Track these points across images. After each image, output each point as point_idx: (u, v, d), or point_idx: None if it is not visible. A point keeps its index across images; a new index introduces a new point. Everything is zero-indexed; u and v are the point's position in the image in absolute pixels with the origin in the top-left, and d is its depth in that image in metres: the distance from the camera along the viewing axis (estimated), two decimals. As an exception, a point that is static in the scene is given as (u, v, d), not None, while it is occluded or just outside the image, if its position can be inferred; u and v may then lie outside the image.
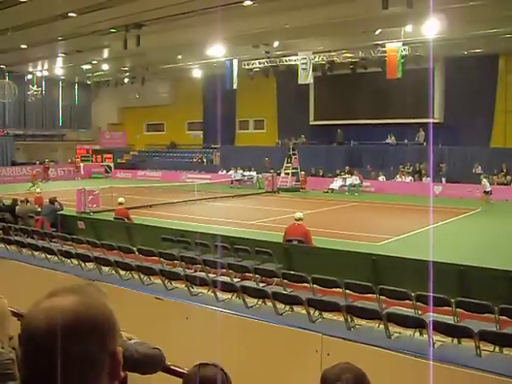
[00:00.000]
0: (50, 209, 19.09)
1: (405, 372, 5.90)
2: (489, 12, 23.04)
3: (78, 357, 1.34)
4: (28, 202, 20.71)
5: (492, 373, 5.46)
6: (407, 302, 8.72)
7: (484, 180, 27.32)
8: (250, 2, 22.18)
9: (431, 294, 7.92)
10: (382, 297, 8.95)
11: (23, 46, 31.96)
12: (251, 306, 8.58)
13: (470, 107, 32.40)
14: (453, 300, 8.27)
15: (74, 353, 1.33)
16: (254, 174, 36.21)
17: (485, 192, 26.85)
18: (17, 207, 19.88)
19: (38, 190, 24.46)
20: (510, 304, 8.27)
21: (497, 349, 7.10)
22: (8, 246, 13.37)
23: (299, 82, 33.04)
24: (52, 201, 19.42)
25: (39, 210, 19.77)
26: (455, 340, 7.42)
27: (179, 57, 35.18)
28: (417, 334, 7.82)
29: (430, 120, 30.24)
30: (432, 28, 23.87)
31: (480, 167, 31.50)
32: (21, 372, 1.39)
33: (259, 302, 8.92)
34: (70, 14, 24.33)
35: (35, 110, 46.73)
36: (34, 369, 1.34)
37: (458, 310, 8.28)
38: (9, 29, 26.71)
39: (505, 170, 30.31)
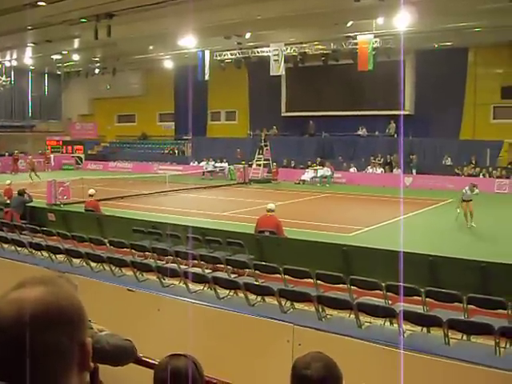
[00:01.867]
0: (19, 200, 18.84)
1: (375, 361, 5.96)
2: (459, 6, 23.27)
3: (47, 348, 1.33)
4: (-3, 193, 20.46)
5: (460, 360, 5.54)
6: (378, 292, 8.81)
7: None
8: (221, -7, 22.12)
9: (401, 283, 8.01)
10: (352, 287, 9.03)
11: (-9, 36, 31.43)
12: (223, 297, 8.60)
13: (440, 100, 32.74)
14: (422, 290, 8.38)
15: (42, 344, 1.32)
16: (225, 165, 36.19)
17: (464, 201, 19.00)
18: (-15, 199, 19.62)
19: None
20: (478, 293, 8.41)
21: (464, 337, 7.22)
22: (-24, 239, 13.19)
23: (271, 74, 33.08)
24: (21, 192, 19.16)
25: (8, 202, 19.51)
26: (425, 329, 7.53)
27: (151, 47, 34.98)
28: (387, 323, 7.91)
29: (401, 112, 30.52)
30: (403, 21, 24.08)
31: (450, 159, 31.88)
32: None
33: (231, 293, 8.95)
34: (39, 3, 23.98)
35: (4, 100, 46.05)
36: (2, 361, 1.33)
37: (427, 299, 8.39)
38: (-24, 18, 26.27)
39: (474, 162, 30.70)
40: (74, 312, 1.40)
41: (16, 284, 1.41)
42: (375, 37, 29.17)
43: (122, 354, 3.10)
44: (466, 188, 18.87)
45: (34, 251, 11.82)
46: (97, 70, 42.21)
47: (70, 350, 1.37)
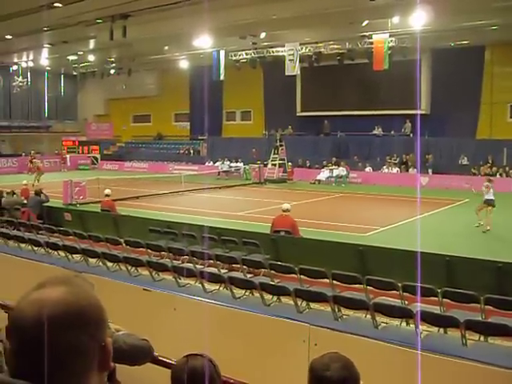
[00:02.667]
0: (36, 200, 18.98)
1: (392, 361, 5.93)
2: (475, 4, 23.13)
3: (68, 348, 1.34)
4: (14, 193, 20.60)
5: (477, 361, 5.50)
6: (394, 292, 8.76)
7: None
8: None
9: (418, 284, 7.96)
10: (369, 287, 8.99)
11: (8, 37, 31.68)
12: (239, 297, 8.60)
13: (457, 99, 32.52)
14: (439, 290, 8.32)
15: (63, 344, 1.33)
16: (241, 165, 36.20)
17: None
18: (3, 199, 19.76)
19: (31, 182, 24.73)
20: (495, 294, 8.35)
21: (482, 338, 7.16)
22: (-6, 238, 13.29)
23: (286, 74, 33.04)
24: (37, 192, 19.31)
25: (25, 201, 19.65)
26: (441, 330, 7.48)
27: (166, 48, 35.06)
28: (403, 323, 7.87)
29: (417, 111, 30.40)
30: (419, 19, 23.95)
31: (466, 158, 31.69)
32: (10, 365, 1.39)
33: (247, 293, 8.93)
34: (55, 5, 24.14)
35: (21, 101, 46.40)
36: (24, 361, 1.33)
37: (444, 299, 8.33)
38: (-7, 19, 26.49)
39: (490, 162, 30.48)
40: (94, 312, 1.40)
41: (37, 284, 1.41)
42: (391, 36, 29.05)
43: (139, 354, 3.11)
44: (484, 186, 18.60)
45: (50, 251, 11.88)
46: (112, 71, 42.39)
47: (90, 350, 1.38)
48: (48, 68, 45.19)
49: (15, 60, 42.23)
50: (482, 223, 17.88)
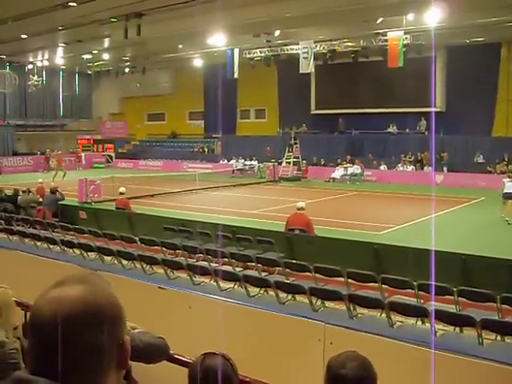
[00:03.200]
0: (51, 199, 19.09)
1: (407, 360, 5.92)
2: (490, 0, 22.95)
3: (87, 347, 1.34)
4: (30, 192, 20.75)
5: (494, 361, 5.47)
6: (409, 290, 8.73)
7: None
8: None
9: (433, 282, 7.92)
10: (384, 286, 8.96)
11: (23, 36, 31.86)
12: (253, 295, 8.60)
13: (472, 96, 32.27)
14: (455, 289, 8.28)
15: (82, 343, 1.33)
16: (255, 163, 36.18)
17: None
18: (19, 197, 19.91)
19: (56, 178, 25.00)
20: (511, 293, 8.28)
21: (498, 337, 7.12)
22: (10, 237, 13.38)
23: (300, 71, 32.92)
24: (53, 191, 19.42)
25: (41, 200, 19.77)
26: (457, 329, 7.44)
27: (180, 46, 35.10)
28: (419, 322, 7.84)
29: (432, 109, 30.21)
30: (434, 16, 23.79)
31: (481, 156, 31.50)
32: (28, 362, 1.39)
33: (261, 291, 8.94)
34: (70, 4, 24.24)
35: (36, 100, 46.62)
36: (43, 360, 1.34)
37: (459, 298, 8.29)
38: (9, 18, 26.64)
39: (506, 159, 30.26)
40: (112, 310, 1.40)
41: (55, 282, 1.42)
42: (405, 33, 28.87)
43: (155, 352, 3.12)
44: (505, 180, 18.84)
45: (66, 249, 11.94)
46: (127, 69, 42.46)
47: (109, 349, 1.38)
48: (63, 67, 45.37)
49: (30, 59, 42.44)
50: (507, 218, 18.20)
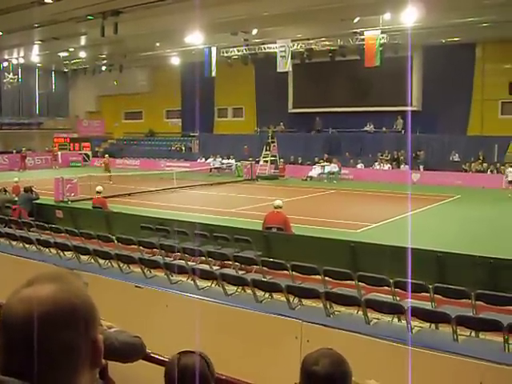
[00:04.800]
0: (26, 197, 18.89)
1: (384, 357, 5.96)
2: (467, 1, 23.17)
3: (58, 346, 1.33)
4: (6, 191, 20.53)
5: (469, 357, 5.53)
6: (386, 288, 8.78)
7: (510, 169, 26.65)
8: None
9: (409, 280, 7.99)
10: (360, 283, 9.01)
11: (-1, 33, 31.51)
12: (231, 294, 8.60)
13: (448, 96, 32.59)
14: (430, 286, 8.35)
15: (53, 342, 1.32)
16: (232, 161, 36.23)
17: (509, 182, 25.98)
18: (-6, 196, 19.69)
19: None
20: (486, 289, 8.38)
21: (473, 333, 7.20)
22: (-15, 236, 13.23)
23: (278, 70, 33.01)
24: (27, 189, 19.20)
25: (16, 199, 19.58)
26: (433, 325, 7.51)
27: (157, 44, 34.94)
28: (395, 319, 7.90)
29: (409, 108, 30.37)
30: (410, 16, 23.98)
31: (457, 155, 31.81)
32: (0, 363, 1.38)
33: (239, 290, 8.94)
34: (46, 1, 24.02)
35: (11, 97, 46.19)
36: (15, 360, 1.33)
37: (435, 295, 8.37)
38: (-17, 16, 26.33)
39: (481, 158, 30.60)
40: (85, 309, 1.40)
41: (27, 281, 1.40)
42: (382, 32, 29.07)
43: (131, 351, 3.11)
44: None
45: (42, 248, 11.83)
46: (104, 67, 42.22)
47: (81, 348, 1.37)
48: (39, 64, 44.95)
49: (6, 57, 41.96)
50: None
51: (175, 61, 40.99)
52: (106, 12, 25.60)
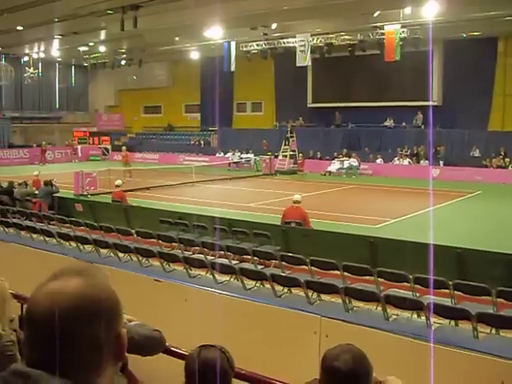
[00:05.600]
0: (46, 191, 19.04)
1: (403, 353, 5.93)
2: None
3: (83, 340, 1.34)
4: (26, 184, 20.69)
5: (489, 354, 5.49)
6: (405, 284, 8.75)
7: None
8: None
9: (430, 276, 7.94)
10: (380, 279, 8.97)
11: (19, 28, 31.73)
12: (250, 288, 8.61)
13: (469, 90, 32.30)
14: (450, 282, 8.30)
15: (78, 336, 1.33)
16: (251, 156, 36.20)
17: None
18: (15, 190, 19.86)
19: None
20: (507, 286, 8.31)
21: (494, 331, 7.14)
22: (6, 229, 13.36)
23: (297, 65, 32.92)
24: (47, 183, 19.36)
25: (36, 192, 19.73)
26: (452, 322, 7.47)
27: (177, 38, 34.98)
28: (415, 316, 7.86)
29: (429, 103, 30.23)
30: (431, 10, 23.78)
31: (478, 150, 31.54)
32: (25, 355, 1.39)
33: (257, 284, 8.94)
34: (66, -5, 24.18)
35: (32, 92, 46.45)
36: (40, 352, 1.34)
37: (455, 292, 8.31)
38: (5, 10, 26.54)
39: (503, 153, 30.30)
40: (109, 303, 1.40)
41: (52, 275, 1.41)
42: (402, 27, 28.86)
43: (151, 345, 3.12)
44: None
45: (62, 241, 11.92)
46: (123, 62, 42.28)
47: (105, 342, 1.37)
48: (59, 59, 45.21)
49: (26, 51, 42.32)
50: None
51: (194, 55, 41.00)
52: (125, 6, 25.69)
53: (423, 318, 7.36)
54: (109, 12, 26.95)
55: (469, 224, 17.71)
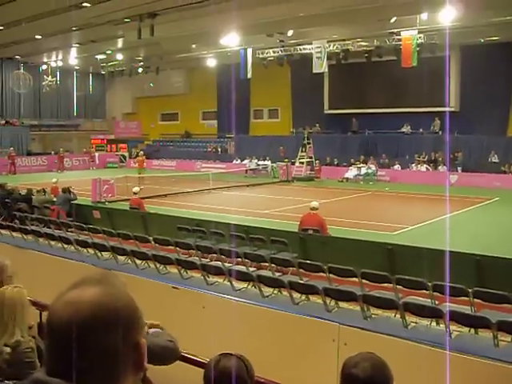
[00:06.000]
0: (64, 198, 19.14)
1: (421, 362, 5.87)
2: (505, -1, 22.80)
3: (100, 349, 1.34)
4: (45, 191, 20.83)
5: (510, 363, 5.42)
6: (424, 291, 8.68)
7: None
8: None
9: (447, 283, 7.87)
10: (398, 286, 8.91)
11: (38, 37, 32.08)
12: (267, 296, 8.59)
13: (487, 96, 32.09)
14: (470, 290, 8.22)
15: (97, 345, 1.33)
16: (268, 163, 36.17)
17: None
18: (33, 197, 19.99)
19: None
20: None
21: (514, 339, 7.06)
22: (25, 236, 13.44)
23: (314, 71, 32.93)
24: (65, 190, 19.47)
25: (55, 199, 19.85)
26: (472, 330, 7.39)
27: (193, 46, 35.18)
28: (433, 323, 7.80)
29: (446, 109, 30.02)
30: (448, 15, 23.69)
31: (496, 156, 31.30)
32: (45, 364, 1.39)
33: (275, 292, 8.92)
34: (84, 4, 24.38)
35: (50, 100, 46.85)
36: (59, 362, 1.34)
37: (474, 300, 8.23)
38: (23, 20, 26.82)
39: (521, 159, 30.07)
40: (127, 312, 1.40)
41: (72, 284, 1.41)
42: (419, 32, 28.78)
43: (166, 355, 3.12)
44: None
45: (80, 248, 11.97)
46: (140, 69, 42.56)
47: (124, 352, 1.37)
48: (77, 67, 45.63)
49: (45, 60, 42.75)
50: None
51: (211, 62, 41.14)
52: (142, 14, 25.88)
53: (442, 325, 7.29)
54: (126, 20, 27.17)
55: (487, 231, 17.54)
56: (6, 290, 3.53)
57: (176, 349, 3.19)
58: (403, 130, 35.69)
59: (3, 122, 43.43)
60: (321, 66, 32.42)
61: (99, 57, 39.69)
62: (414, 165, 32.92)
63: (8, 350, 3.34)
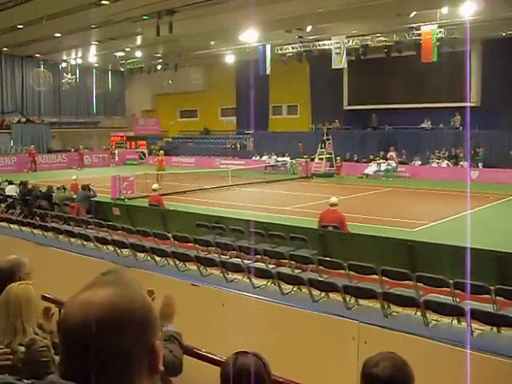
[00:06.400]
0: (84, 195, 19.27)
1: (442, 360, 5.81)
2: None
3: (115, 351, 1.32)
4: (65, 189, 20.96)
5: (533, 362, 5.35)
6: (445, 289, 8.58)
7: None
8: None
9: (469, 281, 7.78)
10: (419, 284, 8.82)
11: (57, 35, 32.32)
12: (287, 293, 8.54)
13: (508, 90, 31.72)
14: (492, 287, 8.12)
15: (111, 348, 1.31)
16: (287, 159, 36.12)
17: None
18: (53, 194, 20.14)
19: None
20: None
21: (538, 337, 6.96)
22: (45, 233, 13.52)
23: (333, 67, 32.82)
24: (85, 187, 19.58)
25: (74, 196, 19.97)
26: (494, 329, 7.29)
27: (212, 43, 35.19)
28: (455, 321, 7.71)
29: (467, 104, 29.73)
30: (468, 9, 23.46)
31: (518, 151, 30.98)
32: (60, 366, 1.38)
33: (295, 289, 8.87)
34: (102, 2, 24.54)
35: (70, 97, 47.18)
36: (74, 364, 1.32)
37: (497, 297, 8.12)
38: (43, 18, 27.00)
39: (543, 155, 29.73)
40: (144, 314, 1.37)
41: (86, 285, 1.40)
42: (439, 27, 28.55)
43: (169, 369, 3.12)
44: None
45: (99, 245, 12.02)
46: (159, 66, 42.72)
47: (138, 354, 1.35)
48: (96, 65, 45.91)
49: (64, 57, 43.07)
50: None
51: (230, 59, 41.14)
52: (161, 12, 25.93)
53: (464, 324, 7.21)
54: (144, 18, 27.24)
55: (509, 227, 17.34)
56: (12, 287, 3.52)
57: (180, 365, 3.18)
58: (423, 125, 35.45)
59: (24, 119, 43.81)
60: (340, 62, 32.29)
61: (118, 54, 39.89)
62: (434, 160, 32.65)
63: (22, 349, 3.34)
